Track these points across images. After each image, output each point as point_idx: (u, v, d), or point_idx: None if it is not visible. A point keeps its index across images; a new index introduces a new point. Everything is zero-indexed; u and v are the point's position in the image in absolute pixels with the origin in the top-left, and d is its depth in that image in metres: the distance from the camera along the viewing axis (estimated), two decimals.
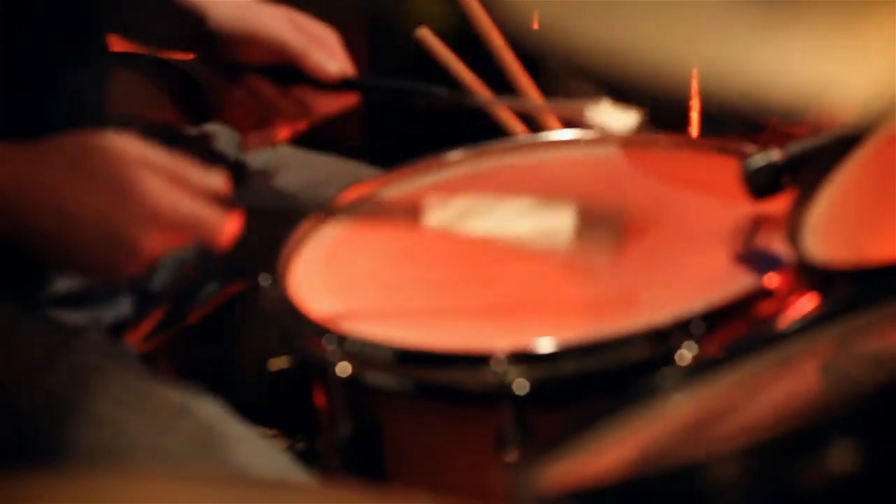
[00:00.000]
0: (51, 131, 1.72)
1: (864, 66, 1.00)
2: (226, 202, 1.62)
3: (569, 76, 2.22)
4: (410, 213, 1.64)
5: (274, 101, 1.88)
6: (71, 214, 1.57)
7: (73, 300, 1.75)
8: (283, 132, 1.94)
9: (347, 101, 1.89)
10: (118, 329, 1.78)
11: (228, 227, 1.62)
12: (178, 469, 1.56)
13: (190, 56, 2.34)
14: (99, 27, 1.81)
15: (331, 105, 1.90)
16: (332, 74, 1.84)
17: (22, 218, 1.57)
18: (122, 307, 1.81)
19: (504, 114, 2.10)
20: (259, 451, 1.60)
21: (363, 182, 1.90)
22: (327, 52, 1.87)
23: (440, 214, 1.62)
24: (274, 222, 1.98)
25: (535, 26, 2.07)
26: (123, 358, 1.70)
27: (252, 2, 1.88)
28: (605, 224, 1.59)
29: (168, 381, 1.68)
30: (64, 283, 1.76)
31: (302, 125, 1.94)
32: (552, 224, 1.59)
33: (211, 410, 1.63)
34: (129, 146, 1.59)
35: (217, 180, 1.63)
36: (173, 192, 1.58)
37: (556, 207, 1.59)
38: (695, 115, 2.18)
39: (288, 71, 1.86)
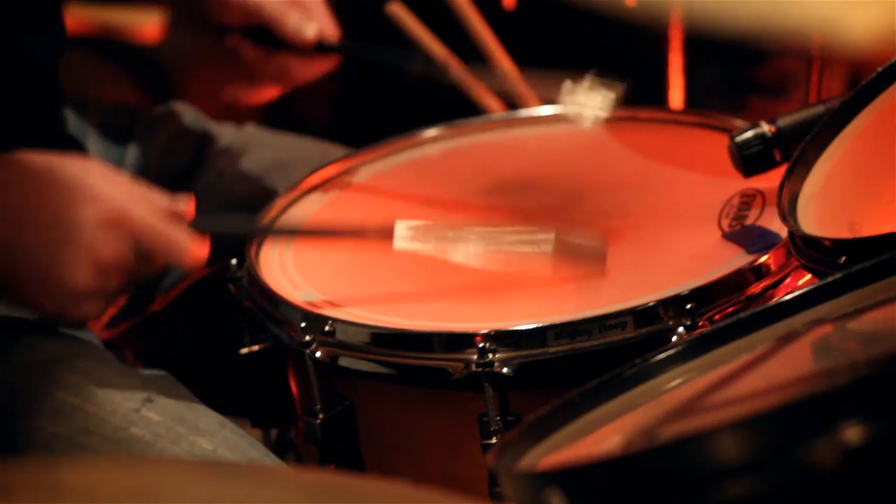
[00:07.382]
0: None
1: (868, 4, 0.96)
2: (189, 227, 1.53)
3: None
4: (382, 235, 1.56)
5: (254, 64, 1.81)
6: (14, 247, 1.48)
7: None
8: (263, 95, 1.87)
9: (326, 66, 1.83)
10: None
11: (195, 252, 1.52)
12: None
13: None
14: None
15: (309, 71, 1.83)
16: (307, 39, 1.77)
17: None
18: None
19: (480, 90, 2.05)
20: (229, 443, 1.54)
21: (334, 162, 1.84)
22: (306, 14, 1.80)
23: (411, 240, 1.55)
24: (242, 206, 1.93)
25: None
26: (85, 345, 1.63)
27: None
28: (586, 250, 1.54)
29: (133, 368, 1.62)
30: None
31: (281, 90, 1.88)
32: (532, 248, 1.53)
33: (178, 399, 1.57)
34: (83, 176, 1.49)
35: (181, 205, 1.53)
36: (116, 238, 1.48)
37: (534, 235, 1.54)
38: (678, 89, 2.15)
39: (268, 34, 1.80)
